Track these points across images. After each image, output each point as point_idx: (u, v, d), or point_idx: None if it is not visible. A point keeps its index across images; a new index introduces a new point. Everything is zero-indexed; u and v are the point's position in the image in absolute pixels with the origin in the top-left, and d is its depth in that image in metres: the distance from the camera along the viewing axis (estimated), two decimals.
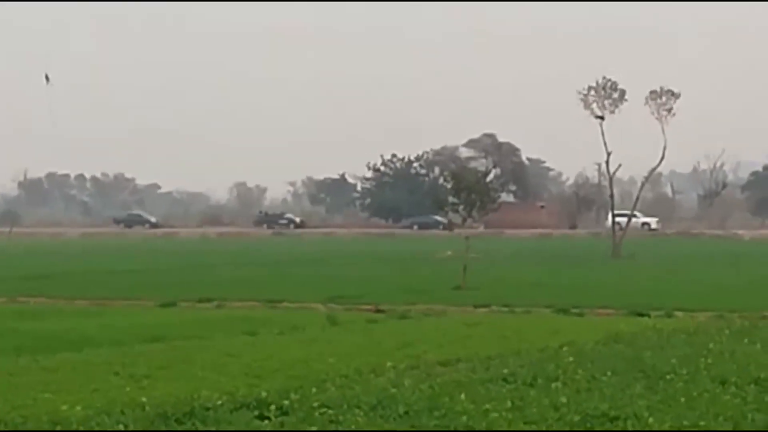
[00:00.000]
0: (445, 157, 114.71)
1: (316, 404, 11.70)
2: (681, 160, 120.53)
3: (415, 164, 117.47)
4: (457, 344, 18.34)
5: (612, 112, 63.38)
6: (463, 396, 12.03)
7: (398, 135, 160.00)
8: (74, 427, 10.85)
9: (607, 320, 23.62)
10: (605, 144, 64.30)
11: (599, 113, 63.44)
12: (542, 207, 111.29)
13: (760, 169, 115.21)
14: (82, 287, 34.45)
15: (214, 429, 10.82)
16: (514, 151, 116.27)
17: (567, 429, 10.73)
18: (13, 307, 28.91)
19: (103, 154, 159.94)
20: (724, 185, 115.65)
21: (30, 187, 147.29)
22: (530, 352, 16.86)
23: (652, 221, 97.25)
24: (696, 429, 10.68)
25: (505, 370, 14.26)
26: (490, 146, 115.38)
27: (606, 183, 71.67)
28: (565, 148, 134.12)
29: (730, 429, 10.78)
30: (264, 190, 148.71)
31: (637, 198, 74.53)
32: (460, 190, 39.18)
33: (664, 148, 65.39)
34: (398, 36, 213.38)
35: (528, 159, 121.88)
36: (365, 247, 70.71)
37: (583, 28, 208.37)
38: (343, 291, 32.05)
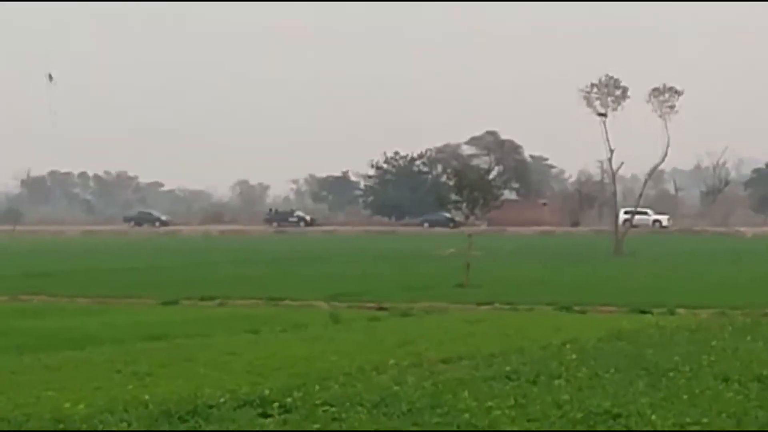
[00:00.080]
0: (447, 154, 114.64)
1: (318, 402, 11.70)
2: (683, 158, 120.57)
3: (418, 162, 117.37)
4: (460, 342, 18.33)
5: (614, 109, 63.43)
6: (465, 393, 12.03)
7: (398, 135, 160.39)
8: (77, 426, 10.85)
9: (610, 317, 23.61)
10: (608, 141, 64.36)
11: (601, 111, 63.43)
12: (544, 204, 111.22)
13: (762, 166, 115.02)
14: (84, 285, 34.47)
15: (217, 427, 10.81)
16: (516, 148, 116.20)
17: (570, 426, 10.72)
18: (15, 305, 28.95)
19: (105, 154, 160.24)
20: (727, 182, 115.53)
21: (33, 185, 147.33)
22: (533, 349, 16.86)
23: (664, 218, 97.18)
24: (698, 426, 10.67)
25: (508, 368, 14.26)
26: (493, 144, 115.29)
27: (608, 180, 71.67)
28: (567, 145, 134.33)
29: (733, 426, 10.77)
30: (266, 188, 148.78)
31: (640, 195, 74.47)
32: (462, 188, 39.20)
33: (667, 146, 65.46)
34: (398, 36, 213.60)
35: (530, 156, 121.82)
36: (367, 244, 70.71)
37: (583, 27, 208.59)
38: (345, 289, 32.06)
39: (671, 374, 13.62)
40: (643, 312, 24.74)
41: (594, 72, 65.65)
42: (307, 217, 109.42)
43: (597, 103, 63.28)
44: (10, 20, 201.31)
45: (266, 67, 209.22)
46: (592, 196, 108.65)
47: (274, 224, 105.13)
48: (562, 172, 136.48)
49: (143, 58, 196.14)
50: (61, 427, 10.84)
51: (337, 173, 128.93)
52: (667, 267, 44.41)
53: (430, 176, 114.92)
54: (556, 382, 13.07)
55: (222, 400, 11.85)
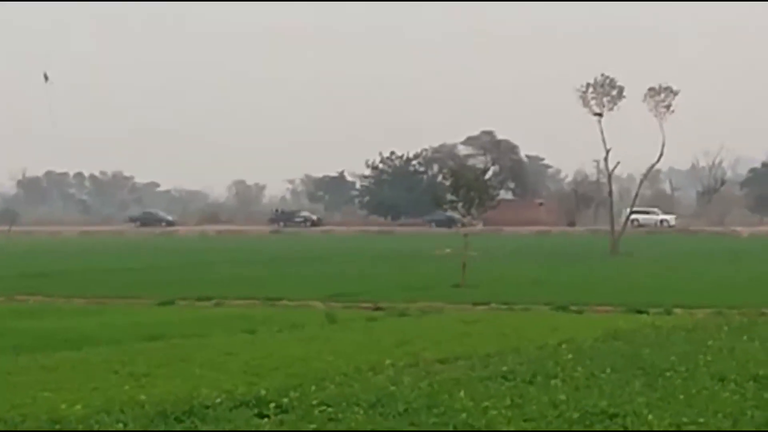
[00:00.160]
0: (443, 154, 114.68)
1: (315, 402, 11.70)
2: (680, 157, 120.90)
3: (414, 162, 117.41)
4: (456, 342, 18.34)
5: (610, 109, 63.42)
6: (462, 393, 12.03)
7: (398, 135, 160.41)
8: (74, 426, 10.85)
9: (606, 317, 23.62)
10: (604, 141, 64.38)
11: (597, 110, 63.45)
12: (541, 204, 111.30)
13: (758, 165, 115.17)
14: (81, 286, 34.44)
15: (213, 427, 10.81)
16: (512, 148, 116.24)
17: (566, 426, 10.72)
18: (11, 305, 28.92)
19: (103, 154, 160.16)
20: (723, 182, 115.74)
21: (29, 185, 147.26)
22: (529, 349, 16.86)
23: (671, 218, 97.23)
24: (695, 426, 10.68)
25: (504, 368, 14.26)
26: (489, 144, 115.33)
27: (605, 180, 71.69)
28: (563, 145, 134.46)
29: (729, 426, 10.78)
30: (263, 188, 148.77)
31: (636, 195, 74.53)
32: (458, 188, 39.18)
33: (663, 145, 65.53)
34: (398, 36, 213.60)
35: (527, 156, 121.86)
36: (364, 244, 70.72)
37: (583, 28, 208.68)
38: (342, 289, 32.06)
39: (668, 374, 13.63)
40: (640, 312, 24.74)
41: (593, 72, 65.61)
42: (313, 217, 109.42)
43: (593, 102, 63.31)
44: (10, 20, 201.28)
45: (266, 67, 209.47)
46: (588, 196, 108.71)
47: (280, 224, 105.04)
48: (559, 171, 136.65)
49: (143, 58, 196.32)
50: (57, 427, 10.84)
51: (334, 173, 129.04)
52: (663, 267, 44.43)
53: (426, 176, 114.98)
54: (553, 382, 13.07)
55: (218, 400, 11.84)
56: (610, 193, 68.43)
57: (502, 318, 23.75)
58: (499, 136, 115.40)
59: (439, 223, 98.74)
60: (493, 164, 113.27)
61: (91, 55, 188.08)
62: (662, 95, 63.99)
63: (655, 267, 44.40)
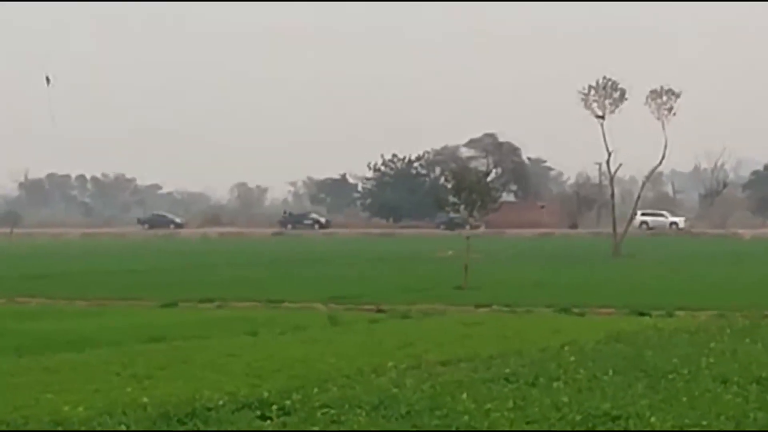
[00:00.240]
0: (445, 156, 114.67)
1: (317, 404, 11.70)
2: (682, 160, 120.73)
3: (416, 164, 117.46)
4: (459, 344, 18.33)
5: (612, 111, 63.38)
6: (464, 396, 12.03)
7: (398, 135, 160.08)
8: (76, 428, 10.86)
9: (609, 319, 23.61)
10: (606, 143, 64.36)
11: (600, 113, 63.43)
12: (543, 207, 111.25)
13: (761, 168, 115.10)
14: (83, 288, 34.43)
15: (215, 429, 10.81)
16: (514, 150, 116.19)
17: (569, 428, 10.72)
18: (13, 307, 28.91)
19: (103, 155, 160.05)
20: (725, 184, 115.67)
21: (31, 187, 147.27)
22: (531, 351, 16.85)
23: (680, 220, 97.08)
24: (698, 428, 10.67)
25: (507, 370, 14.26)
26: (491, 146, 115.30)
27: (607, 182, 71.68)
28: (565, 147, 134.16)
29: (732, 428, 10.77)
30: (265, 190, 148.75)
31: (638, 197, 74.50)
32: (460, 190, 39.14)
33: (665, 148, 65.47)
34: (398, 36, 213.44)
35: (529, 159, 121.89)
36: (366, 246, 70.71)
37: (583, 28, 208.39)
38: (344, 291, 32.05)
39: (670, 376, 13.62)
40: (642, 314, 24.71)
41: (594, 72, 65.69)
42: (322, 219, 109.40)
43: (595, 105, 63.29)
44: (10, 20, 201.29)
45: (266, 67, 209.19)
46: (590, 198, 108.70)
47: (288, 226, 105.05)
48: (561, 174, 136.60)
49: (143, 58, 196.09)
50: (59, 429, 10.85)
51: (336, 175, 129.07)
52: (665, 269, 44.40)
53: (428, 178, 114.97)
54: (555, 384, 13.06)
55: (220, 402, 11.85)
56: (613, 195, 68.42)
57: (505, 320, 23.73)
58: (501, 139, 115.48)
59: (449, 225, 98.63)
60: (495, 166, 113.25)
61: (91, 55, 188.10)
62: (664, 98, 64.00)
63: (658, 269, 44.38)
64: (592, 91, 63.20)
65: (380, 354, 16.73)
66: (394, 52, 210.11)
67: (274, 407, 11.54)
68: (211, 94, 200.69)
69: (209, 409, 11.55)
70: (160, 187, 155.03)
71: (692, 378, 13.54)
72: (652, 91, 64.03)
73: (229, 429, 10.80)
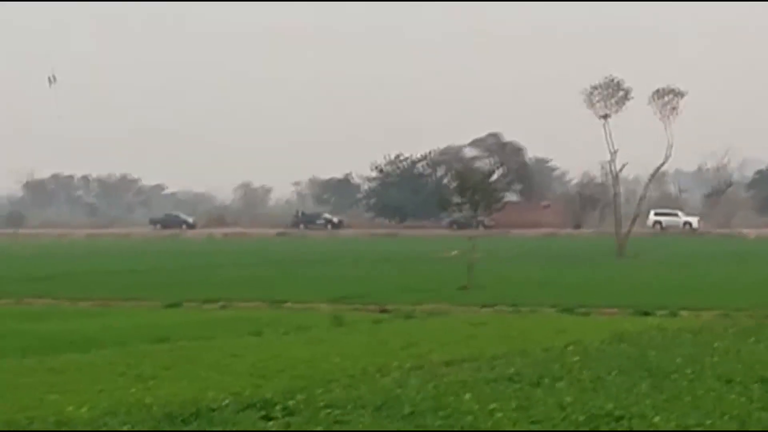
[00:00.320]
0: (449, 156, 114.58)
1: (321, 404, 11.71)
2: (686, 159, 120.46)
3: (420, 164, 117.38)
4: (463, 344, 18.34)
5: (616, 111, 63.36)
6: (468, 396, 12.03)
7: (399, 135, 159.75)
8: (80, 428, 10.87)
9: (612, 320, 23.61)
10: (610, 143, 64.32)
11: (603, 112, 63.39)
12: (547, 206, 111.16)
13: (765, 167, 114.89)
14: (87, 288, 34.49)
15: (220, 429, 10.82)
16: (518, 150, 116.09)
17: (572, 428, 10.72)
18: (18, 308, 28.97)
19: (105, 155, 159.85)
20: (730, 184, 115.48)
21: (35, 188, 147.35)
22: (535, 351, 16.86)
23: (694, 220, 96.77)
24: (701, 428, 10.67)
25: (511, 370, 14.26)
26: (495, 146, 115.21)
27: (611, 182, 71.62)
28: (569, 147, 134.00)
29: (736, 428, 10.77)
30: (269, 190, 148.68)
31: (642, 197, 74.39)
32: (464, 190, 39.26)
33: (669, 147, 65.42)
34: (398, 36, 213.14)
35: (532, 158, 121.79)
36: (370, 246, 70.71)
37: (583, 28, 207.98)
38: (348, 291, 32.07)
39: (674, 376, 13.62)
40: (646, 314, 24.73)
41: (595, 72, 65.75)
42: (335, 219, 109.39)
43: (598, 104, 63.25)
44: (10, 20, 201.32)
45: (266, 67, 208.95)
46: (594, 198, 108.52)
47: (301, 226, 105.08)
48: (565, 173, 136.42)
49: (143, 58, 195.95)
50: (64, 429, 10.86)
51: (339, 175, 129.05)
52: (669, 269, 44.40)
53: (432, 179, 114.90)
54: (559, 384, 13.06)
55: (225, 402, 11.85)
56: (617, 195, 68.37)
57: (509, 320, 23.75)
58: (505, 139, 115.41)
59: (460, 225, 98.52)
60: (499, 166, 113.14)
61: (91, 55, 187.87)
62: (668, 98, 63.96)
63: (662, 269, 44.37)
64: (596, 91, 63.19)
65: (384, 354, 16.75)
66: (394, 52, 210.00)
67: (278, 407, 11.55)
68: (211, 94, 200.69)
69: (213, 410, 11.56)
70: (164, 188, 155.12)
71: (696, 378, 13.54)
72: (656, 91, 64.05)
73: (233, 429, 10.82)
